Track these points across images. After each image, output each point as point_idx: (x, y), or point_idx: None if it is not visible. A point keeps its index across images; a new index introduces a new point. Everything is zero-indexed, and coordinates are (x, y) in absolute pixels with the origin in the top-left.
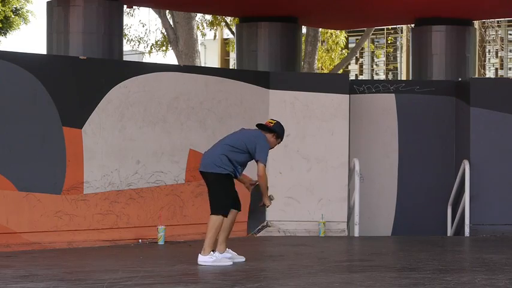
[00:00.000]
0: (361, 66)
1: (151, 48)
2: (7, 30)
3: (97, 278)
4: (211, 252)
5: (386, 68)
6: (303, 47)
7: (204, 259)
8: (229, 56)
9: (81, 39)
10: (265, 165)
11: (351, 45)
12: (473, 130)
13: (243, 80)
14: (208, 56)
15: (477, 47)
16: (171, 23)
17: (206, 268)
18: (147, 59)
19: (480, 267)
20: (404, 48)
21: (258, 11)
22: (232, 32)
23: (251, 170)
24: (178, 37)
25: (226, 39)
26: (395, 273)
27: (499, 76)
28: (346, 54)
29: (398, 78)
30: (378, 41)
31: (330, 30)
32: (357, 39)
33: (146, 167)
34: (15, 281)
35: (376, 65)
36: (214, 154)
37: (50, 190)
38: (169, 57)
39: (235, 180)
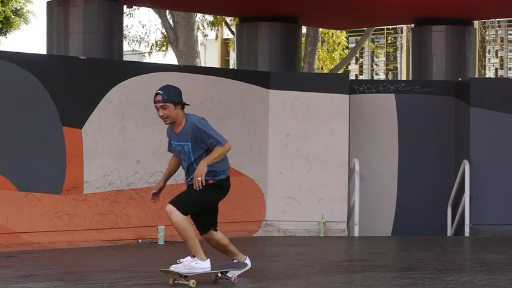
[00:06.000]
0: (361, 66)
1: (151, 49)
2: (7, 31)
3: (97, 278)
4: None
5: (386, 68)
6: (303, 47)
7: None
8: (229, 56)
9: (81, 39)
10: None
11: (351, 45)
12: (473, 130)
13: (243, 80)
14: (208, 56)
15: (477, 47)
16: (171, 23)
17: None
18: (147, 59)
19: (480, 267)
20: (404, 48)
21: (258, 11)
22: (232, 32)
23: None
24: (178, 37)
25: (227, 39)
26: (395, 273)
27: (499, 76)
28: (346, 54)
29: (398, 78)
30: (378, 41)
31: (330, 30)
32: (357, 39)
33: (146, 167)
34: (15, 281)
35: (376, 65)
36: None
37: (50, 190)
38: (169, 57)
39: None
